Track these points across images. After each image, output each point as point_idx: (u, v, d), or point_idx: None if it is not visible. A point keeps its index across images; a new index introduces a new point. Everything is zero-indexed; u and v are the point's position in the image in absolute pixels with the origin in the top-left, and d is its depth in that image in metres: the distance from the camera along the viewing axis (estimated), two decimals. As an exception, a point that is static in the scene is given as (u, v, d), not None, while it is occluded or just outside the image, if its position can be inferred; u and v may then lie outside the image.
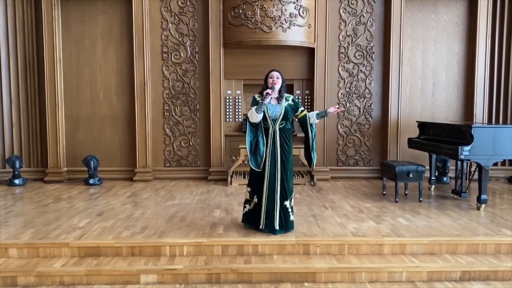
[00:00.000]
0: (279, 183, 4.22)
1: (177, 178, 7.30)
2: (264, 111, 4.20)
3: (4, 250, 3.97)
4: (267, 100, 4.12)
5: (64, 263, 3.84)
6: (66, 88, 7.21)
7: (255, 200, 4.31)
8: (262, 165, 4.22)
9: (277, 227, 4.19)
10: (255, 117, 4.18)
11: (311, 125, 4.37)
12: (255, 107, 4.17)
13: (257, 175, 4.28)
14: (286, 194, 4.25)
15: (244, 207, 4.44)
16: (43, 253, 3.98)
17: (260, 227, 4.25)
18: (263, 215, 4.24)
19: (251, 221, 4.36)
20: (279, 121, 4.24)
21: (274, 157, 4.23)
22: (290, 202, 4.31)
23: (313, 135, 4.39)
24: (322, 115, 4.41)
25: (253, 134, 4.30)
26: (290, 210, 4.29)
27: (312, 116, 4.36)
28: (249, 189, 4.40)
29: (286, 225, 4.25)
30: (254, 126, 4.30)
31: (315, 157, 4.44)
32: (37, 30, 7.10)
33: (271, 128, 4.25)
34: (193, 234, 4.23)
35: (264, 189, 4.23)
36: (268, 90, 4.13)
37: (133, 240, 4.07)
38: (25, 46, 7.12)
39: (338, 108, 4.44)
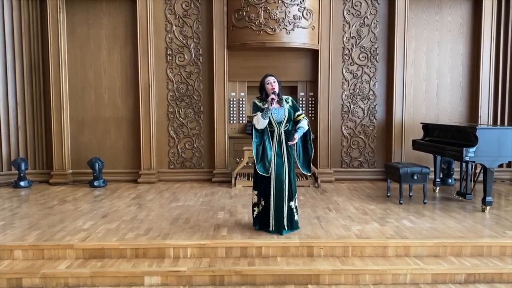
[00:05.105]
0: (286, 185, 4.27)
1: (181, 180, 7.31)
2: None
3: (9, 252, 4.00)
4: (272, 106, 4.15)
5: (68, 264, 3.86)
6: (71, 90, 7.25)
7: (263, 203, 4.34)
8: (270, 169, 4.24)
9: (286, 227, 4.27)
10: (262, 123, 4.21)
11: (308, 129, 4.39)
12: (260, 113, 4.19)
13: (262, 179, 4.31)
14: (291, 195, 4.32)
15: (253, 210, 4.46)
16: (48, 254, 4.00)
17: (270, 229, 4.30)
18: (272, 217, 4.28)
19: (261, 223, 4.39)
20: (284, 124, 4.27)
21: (281, 160, 4.27)
22: (295, 202, 4.37)
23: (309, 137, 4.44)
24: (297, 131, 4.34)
25: (259, 140, 4.31)
26: (295, 210, 4.36)
27: (302, 125, 4.31)
28: (255, 192, 4.42)
29: (291, 225, 4.34)
30: (260, 131, 4.32)
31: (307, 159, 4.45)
32: (42, 33, 7.15)
33: (276, 131, 4.27)
34: (197, 236, 4.24)
35: (272, 192, 4.27)
36: (273, 96, 4.16)
37: (137, 242, 4.09)
38: (30, 49, 7.17)
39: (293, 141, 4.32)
